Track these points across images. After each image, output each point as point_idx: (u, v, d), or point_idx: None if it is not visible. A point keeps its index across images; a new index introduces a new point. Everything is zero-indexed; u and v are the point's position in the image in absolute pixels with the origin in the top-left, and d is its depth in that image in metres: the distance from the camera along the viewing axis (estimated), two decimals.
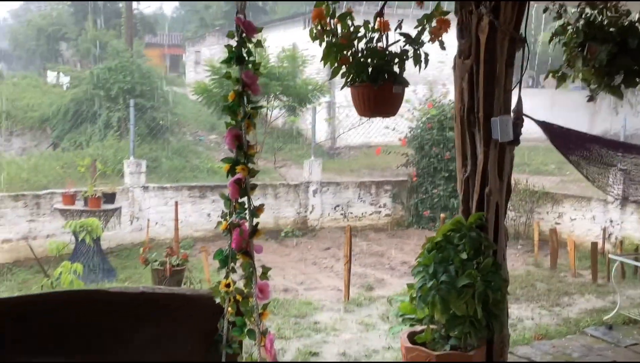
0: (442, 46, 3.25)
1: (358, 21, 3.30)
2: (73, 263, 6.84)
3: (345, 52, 3.33)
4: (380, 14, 3.42)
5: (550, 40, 4.33)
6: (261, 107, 2.65)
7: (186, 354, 3.13)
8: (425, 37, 3.25)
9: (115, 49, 21.94)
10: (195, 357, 3.12)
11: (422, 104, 12.95)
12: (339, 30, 3.31)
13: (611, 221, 10.01)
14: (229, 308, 2.98)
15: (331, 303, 7.37)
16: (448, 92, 13.34)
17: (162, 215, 10.27)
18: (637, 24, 3.84)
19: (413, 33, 3.27)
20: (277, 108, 15.41)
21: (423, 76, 18.85)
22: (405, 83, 3.40)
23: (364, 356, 5.72)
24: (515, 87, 3.64)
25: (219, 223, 2.99)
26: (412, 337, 3.71)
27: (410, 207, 12.31)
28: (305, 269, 9.10)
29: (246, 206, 2.90)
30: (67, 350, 2.70)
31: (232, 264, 2.95)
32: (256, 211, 2.92)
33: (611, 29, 3.84)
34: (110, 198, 8.78)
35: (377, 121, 16.17)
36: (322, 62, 3.27)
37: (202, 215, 10.80)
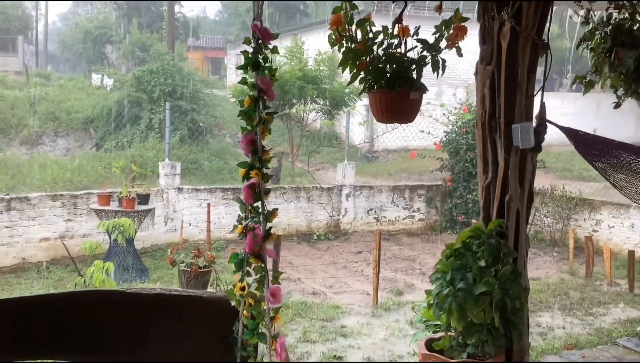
0: (459, 53, 3.23)
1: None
2: (107, 262, 6.99)
3: (363, 58, 3.34)
4: (399, 20, 3.42)
5: (578, 45, 4.26)
6: (275, 113, 2.69)
7: (200, 356, 3.17)
8: (443, 42, 3.24)
9: (158, 51, 22.40)
10: (210, 359, 3.17)
11: (460, 106, 12.83)
12: (359, 36, 3.32)
13: None
14: (244, 312, 3.03)
15: (359, 307, 7.36)
16: None
17: (196, 216, 10.42)
18: None
19: (425, 37, 3.27)
20: (313, 111, 15.48)
21: (464, 79, 18.64)
22: (424, 89, 3.39)
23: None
24: (537, 92, 3.59)
25: (235, 226, 3.05)
26: (430, 343, 3.70)
27: (444, 212, 12.22)
28: (335, 272, 9.10)
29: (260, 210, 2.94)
30: (75, 350, 2.76)
31: (247, 267, 3.00)
32: (269, 215, 2.96)
33: None
34: (144, 199, 8.95)
35: (413, 124, 16.09)
36: (340, 68, 3.30)
37: (235, 217, 10.85)
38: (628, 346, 5.97)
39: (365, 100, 17.96)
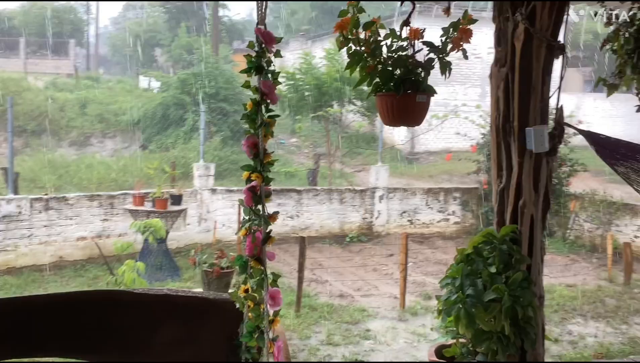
0: (465, 56, 3.18)
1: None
2: (140, 261, 7.14)
3: (370, 60, 3.33)
4: (407, 22, 3.39)
5: (602, 46, 4.14)
6: (277, 116, 2.71)
7: (206, 357, 3.20)
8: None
9: (202, 54, 22.75)
10: (216, 360, 3.20)
11: None
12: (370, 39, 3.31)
13: None
14: (249, 314, 3.04)
15: (385, 310, 7.31)
16: None
17: (229, 217, 10.53)
18: None
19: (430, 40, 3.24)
20: (350, 113, 15.45)
21: None
22: (431, 92, 3.36)
23: None
24: (552, 94, 3.50)
25: (239, 229, 3.07)
26: (440, 350, 3.64)
27: (480, 215, 12.01)
28: (364, 275, 9.06)
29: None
30: (81, 350, 2.83)
31: (251, 270, 3.01)
32: (269, 218, 2.97)
33: None
34: (177, 199, 9.09)
35: (450, 126, 15.91)
36: (347, 70, 3.29)
37: None
38: None
39: None
